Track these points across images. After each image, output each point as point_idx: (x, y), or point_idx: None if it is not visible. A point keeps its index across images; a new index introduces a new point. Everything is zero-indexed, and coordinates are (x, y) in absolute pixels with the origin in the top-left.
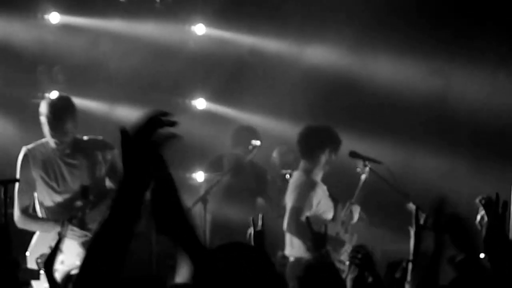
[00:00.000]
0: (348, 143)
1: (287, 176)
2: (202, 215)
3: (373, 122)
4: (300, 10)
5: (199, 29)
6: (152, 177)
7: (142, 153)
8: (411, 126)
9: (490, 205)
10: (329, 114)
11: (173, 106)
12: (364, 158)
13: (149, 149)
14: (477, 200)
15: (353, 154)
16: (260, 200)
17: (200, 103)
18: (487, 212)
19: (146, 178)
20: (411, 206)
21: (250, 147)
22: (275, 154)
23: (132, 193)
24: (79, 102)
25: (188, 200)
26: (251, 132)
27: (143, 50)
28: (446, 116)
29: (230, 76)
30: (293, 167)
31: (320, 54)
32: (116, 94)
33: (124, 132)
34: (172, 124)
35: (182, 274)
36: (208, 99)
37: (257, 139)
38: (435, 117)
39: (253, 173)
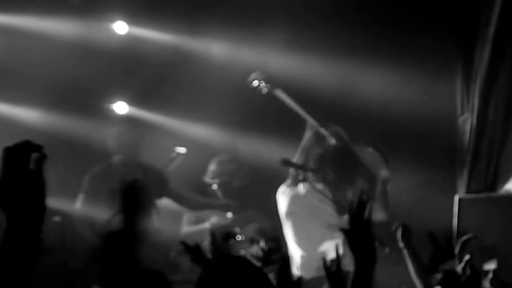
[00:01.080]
0: (280, 150)
1: (213, 186)
2: None
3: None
4: (236, 8)
5: (120, 27)
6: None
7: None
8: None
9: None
10: (260, 121)
11: (92, 111)
12: (298, 167)
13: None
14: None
15: (285, 163)
16: None
17: (120, 108)
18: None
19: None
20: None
21: (173, 154)
22: (213, 163)
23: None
24: None
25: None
26: None
27: (60, 50)
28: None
29: (154, 78)
30: (233, 177)
31: (255, 56)
32: (28, 98)
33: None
34: (40, 147)
35: None
36: (130, 103)
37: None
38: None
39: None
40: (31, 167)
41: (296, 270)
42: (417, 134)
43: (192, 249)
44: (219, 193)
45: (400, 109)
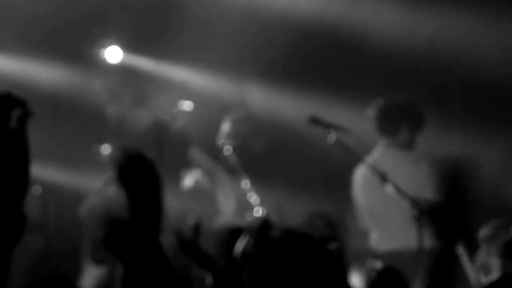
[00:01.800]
0: (310, 107)
1: (227, 151)
2: None
3: (342, 77)
4: None
5: None
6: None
7: None
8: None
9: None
10: (282, 67)
11: (80, 58)
12: (327, 125)
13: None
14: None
15: (313, 120)
16: None
17: (114, 54)
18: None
19: None
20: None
21: (178, 111)
22: (227, 122)
23: None
24: None
25: None
26: None
27: None
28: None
29: (154, 17)
30: (247, 139)
31: None
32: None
33: None
34: (24, 103)
35: None
36: (125, 48)
37: None
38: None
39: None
40: (12, 126)
41: None
42: None
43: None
44: (233, 158)
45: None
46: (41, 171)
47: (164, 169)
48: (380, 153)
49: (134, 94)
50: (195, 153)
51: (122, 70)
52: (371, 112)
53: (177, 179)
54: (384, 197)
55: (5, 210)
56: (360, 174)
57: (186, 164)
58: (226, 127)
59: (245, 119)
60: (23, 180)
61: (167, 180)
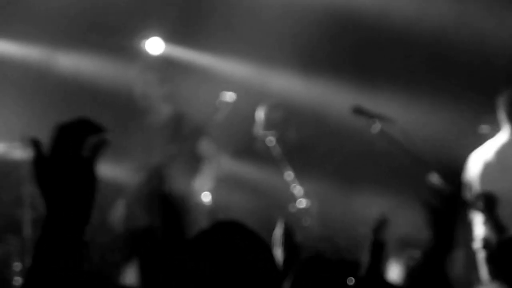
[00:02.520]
0: (352, 96)
1: (270, 141)
2: None
3: (385, 68)
4: None
5: None
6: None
7: (68, 175)
8: (439, 73)
9: None
10: (325, 58)
11: (120, 50)
12: (371, 115)
13: (77, 168)
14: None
15: (357, 110)
16: None
17: (155, 45)
18: None
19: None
20: (434, 179)
21: (220, 102)
22: (260, 111)
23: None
24: None
25: None
26: None
27: None
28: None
29: (196, 8)
30: (279, 128)
31: None
32: (38, 34)
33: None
34: (101, 130)
35: None
36: (166, 40)
37: None
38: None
39: None
40: (85, 154)
41: None
42: None
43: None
44: (276, 149)
45: None
46: None
47: (179, 161)
48: (505, 141)
49: (165, 89)
50: (205, 144)
51: (157, 64)
52: (502, 99)
53: (192, 171)
54: (503, 182)
55: (67, 238)
56: (479, 158)
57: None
58: (260, 116)
59: (275, 106)
60: (86, 208)
61: (183, 172)
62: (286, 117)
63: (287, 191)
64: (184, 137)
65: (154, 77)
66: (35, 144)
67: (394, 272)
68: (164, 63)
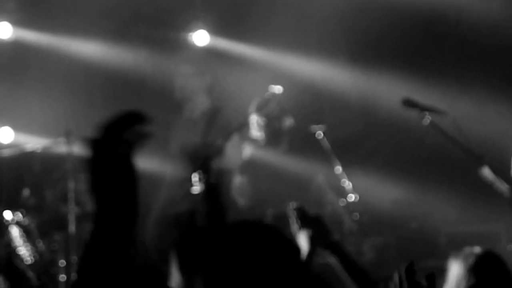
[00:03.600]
0: (402, 88)
1: (319, 134)
2: None
3: (436, 59)
4: None
5: None
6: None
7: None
8: (491, 66)
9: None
10: (373, 50)
11: (165, 42)
12: (422, 107)
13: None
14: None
15: (408, 103)
16: None
17: (200, 38)
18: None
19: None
20: (486, 172)
21: (268, 95)
22: (252, 108)
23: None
24: (35, 38)
25: None
26: None
27: None
28: None
29: (240, 1)
30: (275, 118)
31: None
32: (85, 27)
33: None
34: (147, 121)
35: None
36: (212, 32)
37: None
38: None
39: None
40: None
41: None
42: None
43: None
44: (325, 142)
45: None
46: None
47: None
48: None
49: (202, 81)
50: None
51: (194, 57)
52: None
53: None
54: None
55: (117, 239)
56: None
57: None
58: (251, 112)
59: (268, 99)
60: (133, 206)
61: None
62: (281, 108)
63: (337, 185)
64: (217, 131)
65: (191, 70)
66: (91, 143)
67: (454, 269)
68: (201, 56)
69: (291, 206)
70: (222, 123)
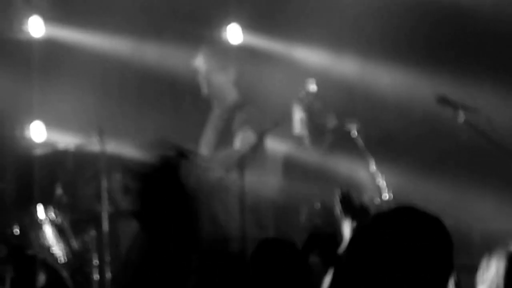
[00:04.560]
0: (436, 86)
1: (353, 133)
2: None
3: (470, 57)
4: None
5: None
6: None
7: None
8: None
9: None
10: (408, 47)
11: (198, 39)
12: (456, 105)
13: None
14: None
15: (442, 100)
16: None
17: (234, 35)
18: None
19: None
20: None
21: (302, 93)
22: (296, 105)
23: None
24: (68, 35)
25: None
26: None
27: None
28: None
29: None
30: (319, 117)
31: None
32: (118, 24)
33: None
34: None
35: None
36: (245, 28)
37: None
38: None
39: None
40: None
41: None
42: None
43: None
44: (359, 140)
45: None
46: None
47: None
48: None
49: (228, 76)
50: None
51: (219, 52)
52: None
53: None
54: None
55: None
56: None
57: None
58: (295, 110)
59: (316, 97)
60: (194, 233)
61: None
62: (325, 104)
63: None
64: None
65: (216, 65)
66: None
67: (493, 269)
68: (225, 51)
69: (337, 192)
70: (253, 119)
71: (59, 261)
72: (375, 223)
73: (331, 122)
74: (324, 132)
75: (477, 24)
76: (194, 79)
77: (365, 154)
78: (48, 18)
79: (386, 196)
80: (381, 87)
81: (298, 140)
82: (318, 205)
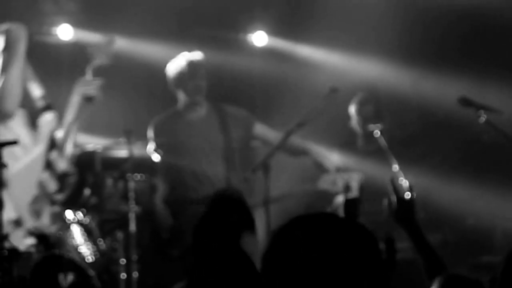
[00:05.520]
0: (460, 88)
1: (376, 133)
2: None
3: (492, 58)
4: None
5: None
6: None
7: None
8: None
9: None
10: (430, 48)
11: (224, 43)
12: (478, 106)
13: None
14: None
15: (464, 101)
16: None
17: (259, 38)
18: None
19: None
20: None
21: (326, 94)
22: (352, 106)
23: None
24: (96, 38)
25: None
26: None
27: None
28: None
29: (297, 2)
30: (373, 121)
31: None
32: (146, 28)
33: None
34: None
35: None
36: (270, 32)
37: None
38: None
39: None
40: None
41: None
42: None
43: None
44: (382, 141)
45: None
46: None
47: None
48: None
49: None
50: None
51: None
52: None
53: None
54: None
55: None
56: None
57: None
58: (352, 109)
59: (366, 100)
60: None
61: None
62: (378, 109)
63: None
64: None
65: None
66: None
67: None
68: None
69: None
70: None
71: (86, 261)
72: (290, 226)
73: (377, 127)
74: (373, 137)
75: (501, 27)
76: (220, 83)
77: (388, 155)
78: (76, 22)
79: (408, 195)
80: (404, 89)
81: (349, 142)
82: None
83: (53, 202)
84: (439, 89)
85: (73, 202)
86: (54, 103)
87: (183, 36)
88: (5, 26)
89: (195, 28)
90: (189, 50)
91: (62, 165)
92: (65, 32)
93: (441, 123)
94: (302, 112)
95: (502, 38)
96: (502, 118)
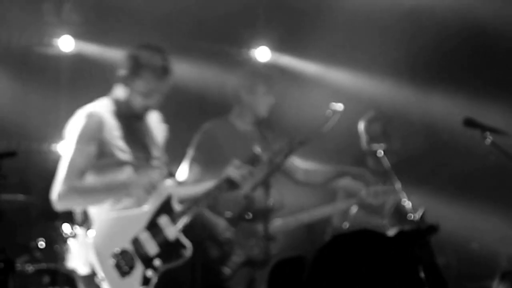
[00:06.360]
0: (464, 108)
1: (379, 153)
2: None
3: (498, 80)
4: None
5: None
6: None
7: None
8: None
9: None
10: (436, 68)
11: (226, 58)
12: (483, 128)
13: None
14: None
15: (469, 122)
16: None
17: (262, 54)
18: None
19: None
20: None
21: (329, 112)
22: (360, 124)
23: None
24: (97, 51)
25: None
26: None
27: None
28: None
29: (301, 18)
30: (380, 140)
31: None
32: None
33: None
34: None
35: None
36: (273, 48)
37: None
38: None
39: None
40: None
41: None
42: None
43: None
44: (385, 161)
45: None
46: None
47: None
48: None
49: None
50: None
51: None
52: None
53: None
54: None
55: None
56: None
57: None
58: (361, 127)
59: (374, 118)
60: None
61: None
62: (386, 129)
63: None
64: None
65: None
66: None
67: None
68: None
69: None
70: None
71: (81, 275)
72: (334, 244)
73: (381, 147)
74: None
75: (506, 46)
76: (223, 97)
77: (391, 175)
78: (77, 33)
79: (411, 217)
80: (409, 109)
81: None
82: (346, 224)
83: (147, 265)
84: (444, 110)
85: None
86: (54, 114)
87: (186, 50)
88: None
89: (198, 42)
90: (192, 66)
91: (171, 233)
92: (66, 43)
93: (445, 144)
94: (303, 130)
95: (510, 59)
96: (508, 140)
